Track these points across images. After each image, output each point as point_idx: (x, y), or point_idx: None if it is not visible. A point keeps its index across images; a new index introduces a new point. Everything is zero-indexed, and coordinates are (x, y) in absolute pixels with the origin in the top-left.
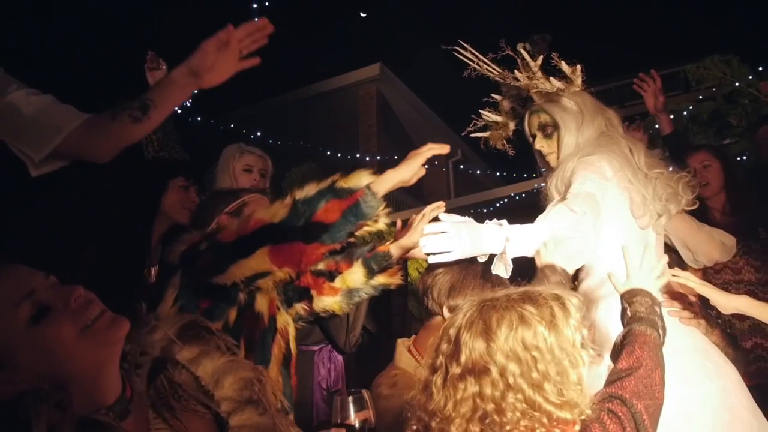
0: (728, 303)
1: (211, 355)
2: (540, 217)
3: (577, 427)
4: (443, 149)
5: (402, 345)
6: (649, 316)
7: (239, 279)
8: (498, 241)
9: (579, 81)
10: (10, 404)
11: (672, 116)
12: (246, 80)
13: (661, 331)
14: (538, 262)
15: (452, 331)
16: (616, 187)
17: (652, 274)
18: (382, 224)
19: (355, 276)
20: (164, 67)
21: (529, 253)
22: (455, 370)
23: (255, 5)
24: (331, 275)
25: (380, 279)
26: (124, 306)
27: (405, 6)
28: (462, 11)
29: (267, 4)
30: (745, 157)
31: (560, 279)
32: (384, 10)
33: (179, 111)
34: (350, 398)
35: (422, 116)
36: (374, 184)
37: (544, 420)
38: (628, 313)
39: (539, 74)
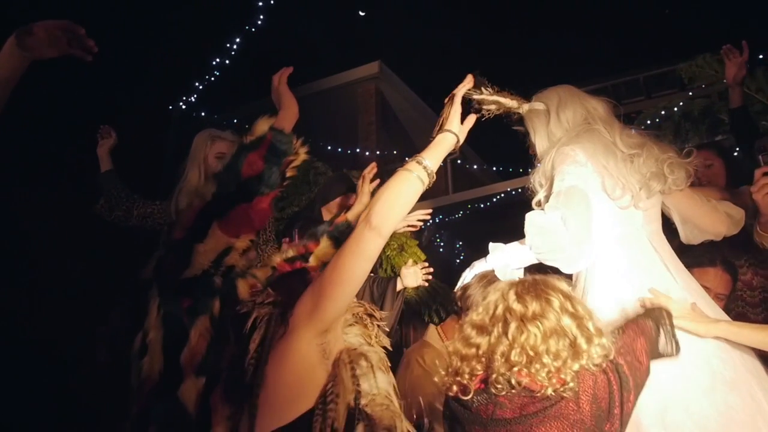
0: (708, 332)
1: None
2: (528, 240)
3: (569, 378)
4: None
5: (433, 327)
6: (651, 313)
7: (206, 265)
8: (496, 263)
9: (512, 102)
10: None
11: (663, 112)
12: (249, 77)
13: (657, 325)
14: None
15: (510, 296)
16: (592, 172)
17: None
18: (304, 154)
19: (324, 250)
20: (114, 135)
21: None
22: (513, 323)
23: (260, 3)
24: (304, 257)
25: None
26: None
27: (404, 4)
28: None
29: (272, 2)
30: (736, 153)
31: None
32: (383, 9)
33: (184, 107)
34: None
35: (421, 114)
36: (276, 124)
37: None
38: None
39: (501, 98)
